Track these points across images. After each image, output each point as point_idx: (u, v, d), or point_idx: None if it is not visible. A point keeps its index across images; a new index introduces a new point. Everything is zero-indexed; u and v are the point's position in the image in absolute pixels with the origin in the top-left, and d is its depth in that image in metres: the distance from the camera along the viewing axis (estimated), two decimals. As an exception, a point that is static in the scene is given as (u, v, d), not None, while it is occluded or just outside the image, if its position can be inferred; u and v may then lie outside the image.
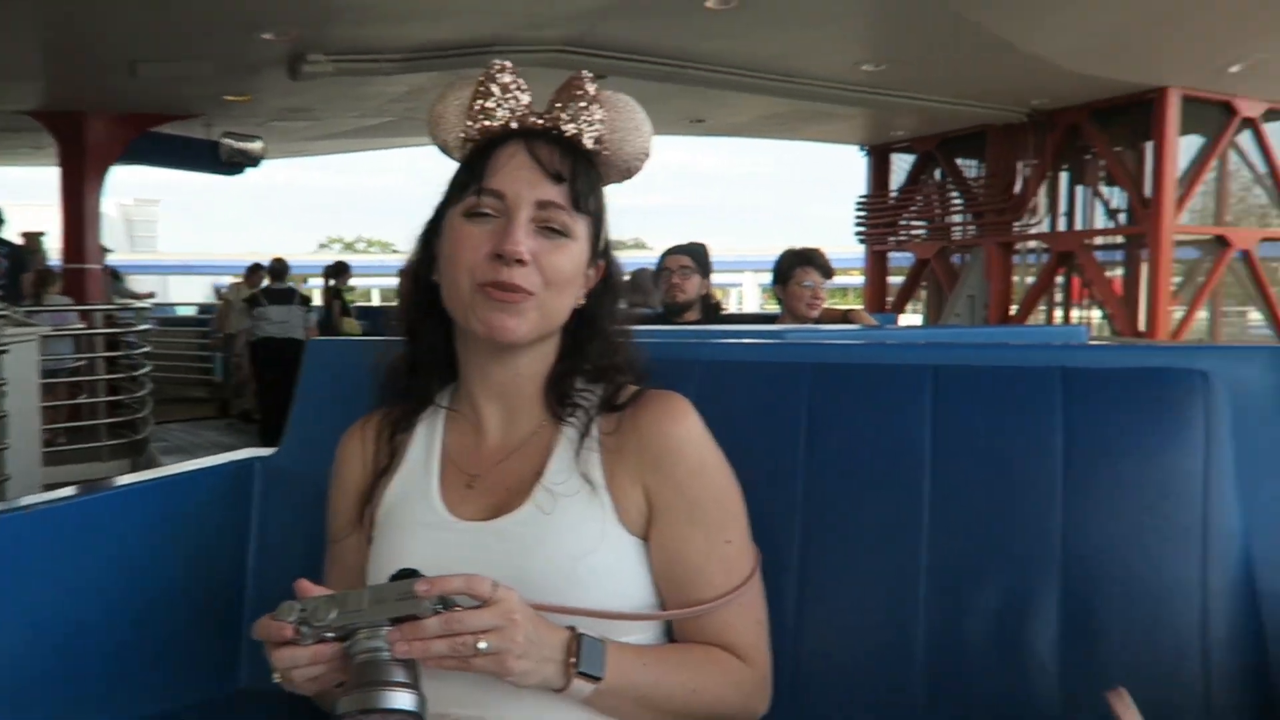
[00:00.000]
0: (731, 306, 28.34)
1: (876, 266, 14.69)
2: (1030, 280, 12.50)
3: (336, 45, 7.94)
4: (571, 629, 0.96)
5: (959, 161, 13.16)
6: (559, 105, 1.09)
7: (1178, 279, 11.61)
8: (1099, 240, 11.99)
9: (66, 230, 10.47)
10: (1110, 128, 11.24)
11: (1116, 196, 11.65)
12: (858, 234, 14.45)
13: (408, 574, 0.92)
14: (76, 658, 1.26)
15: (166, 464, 1.86)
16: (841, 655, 1.20)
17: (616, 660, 0.96)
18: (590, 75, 1.10)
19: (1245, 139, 11.41)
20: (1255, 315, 12.79)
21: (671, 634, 1.09)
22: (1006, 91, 10.81)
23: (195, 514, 1.46)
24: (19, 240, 9.59)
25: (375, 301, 22.72)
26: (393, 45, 8.06)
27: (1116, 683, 0.93)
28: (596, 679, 0.93)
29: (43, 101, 9.98)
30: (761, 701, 1.09)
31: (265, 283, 10.11)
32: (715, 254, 4.48)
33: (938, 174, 13.45)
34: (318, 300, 9.98)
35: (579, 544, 1.02)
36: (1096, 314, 12.23)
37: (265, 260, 10.44)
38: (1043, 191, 12.05)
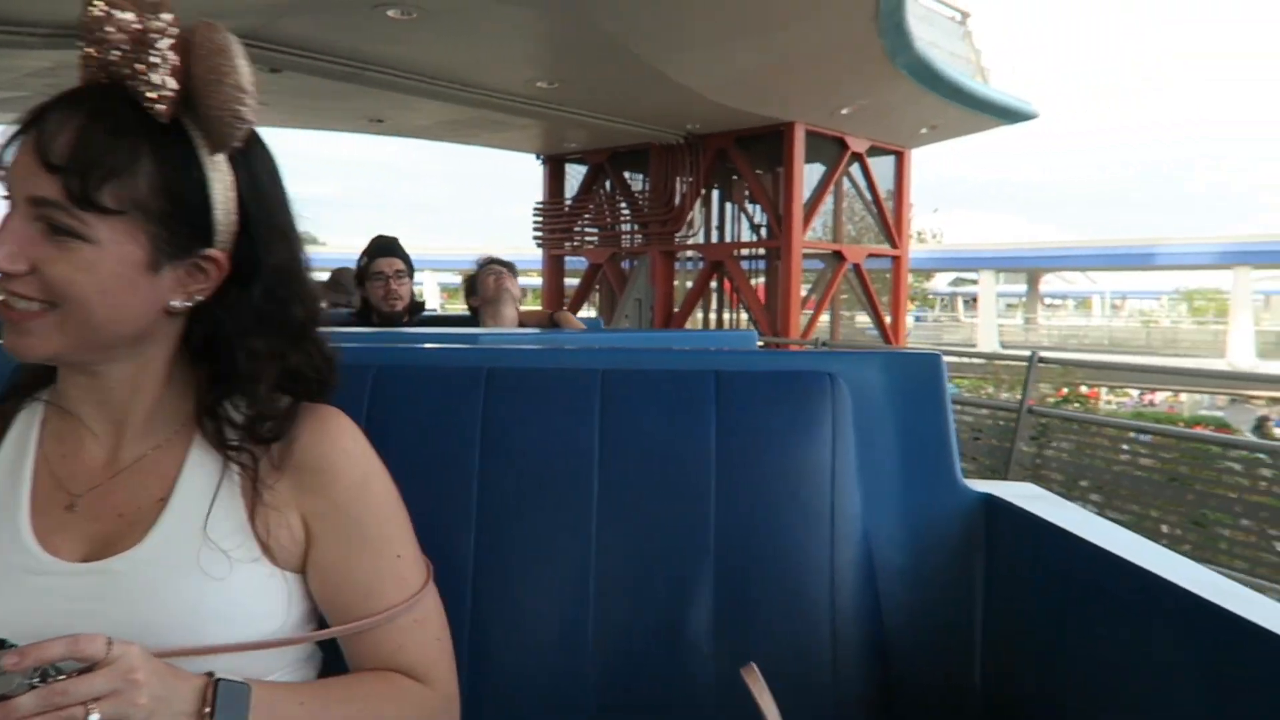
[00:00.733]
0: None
1: (553, 270, 15.48)
2: (691, 285, 13.93)
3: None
4: (209, 675, 0.82)
5: (627, 175, 14.24)
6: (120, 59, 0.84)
7: (808, 287, 13.51)
8: (745, 251, 13.59)
9: None
10: (752, 153, 12.84)
11: (759, 213, 13.30)
12: (535, 238, 15.14)
13: None
14: None
15: None
16: (517, 660, 1.19)
17: (266, 702, 0.84)
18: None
19: (856, 170, 13.55)
20: (864, 318, 15.12)
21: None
22: (664, 115, 11.98)
23: None
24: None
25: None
26: (41, 19, 7.43)
27: (761, 660, 0.99)
28: None
29: None
30: None
31: None
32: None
33: (608, 185, 14.45)
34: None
35: (211, 581, 0.87)
36: (745, 316, 13.84)
37: None
38: (698, 206, 13.44)
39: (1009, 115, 13.41)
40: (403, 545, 1.00)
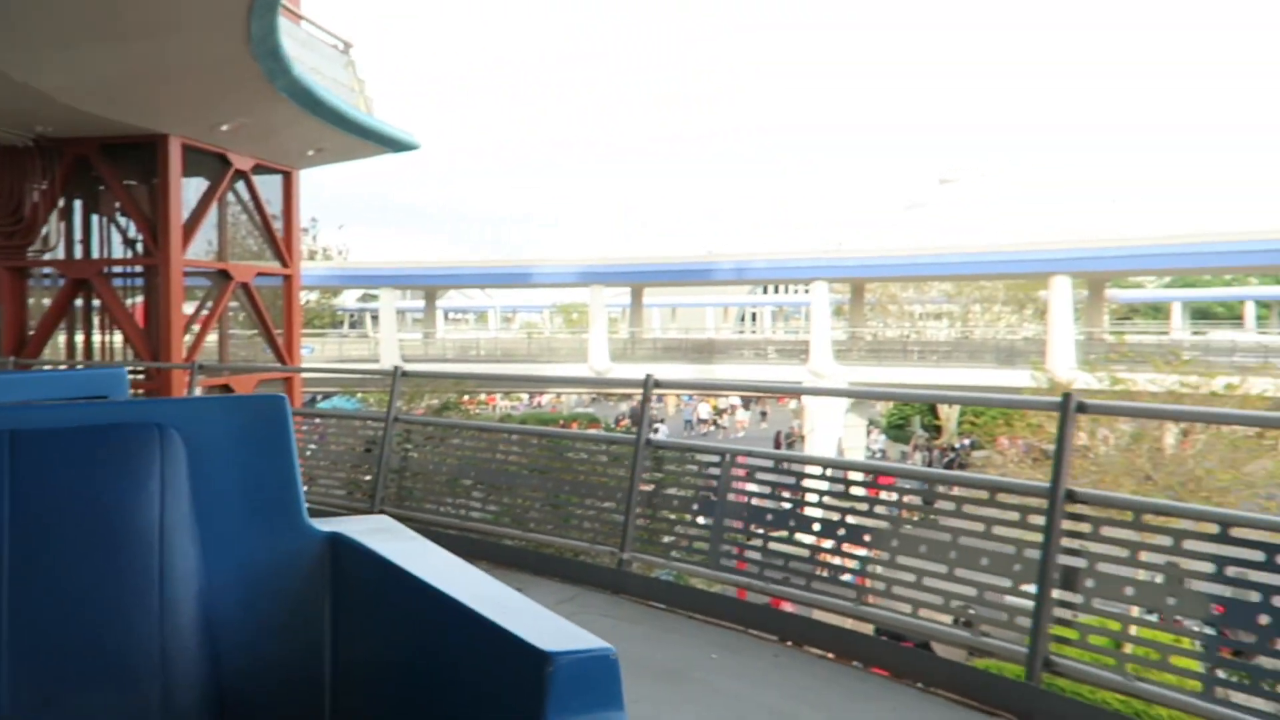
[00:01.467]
0: None
1: None
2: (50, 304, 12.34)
3: None
4: None
5: (-42, 178, 12.13)
6: None
7: (199, 305, 12.90)
8: (119, 269, 12.49)
9: None
10: (121, 163, 11.88)
11: (134, 227, 12.33)
12: None
13: None
14: None
15: None
16: None
17: None
18: None
19: (242, 187, 13.33)
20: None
21: None
22: (7, 114, 10.53)
23: None
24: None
25: None
26: None
27: None
28: None
29: None
30: None
31: None
32: None
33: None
34: None
35: None
36: (119, 338, 12.70)
37: None
38: (55, 218, 12.01)
39: (391, 144, 14.38)
40: None
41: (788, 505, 4.84)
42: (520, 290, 58.06)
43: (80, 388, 2.29)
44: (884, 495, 4.53)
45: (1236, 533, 3.30)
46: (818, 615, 4.70)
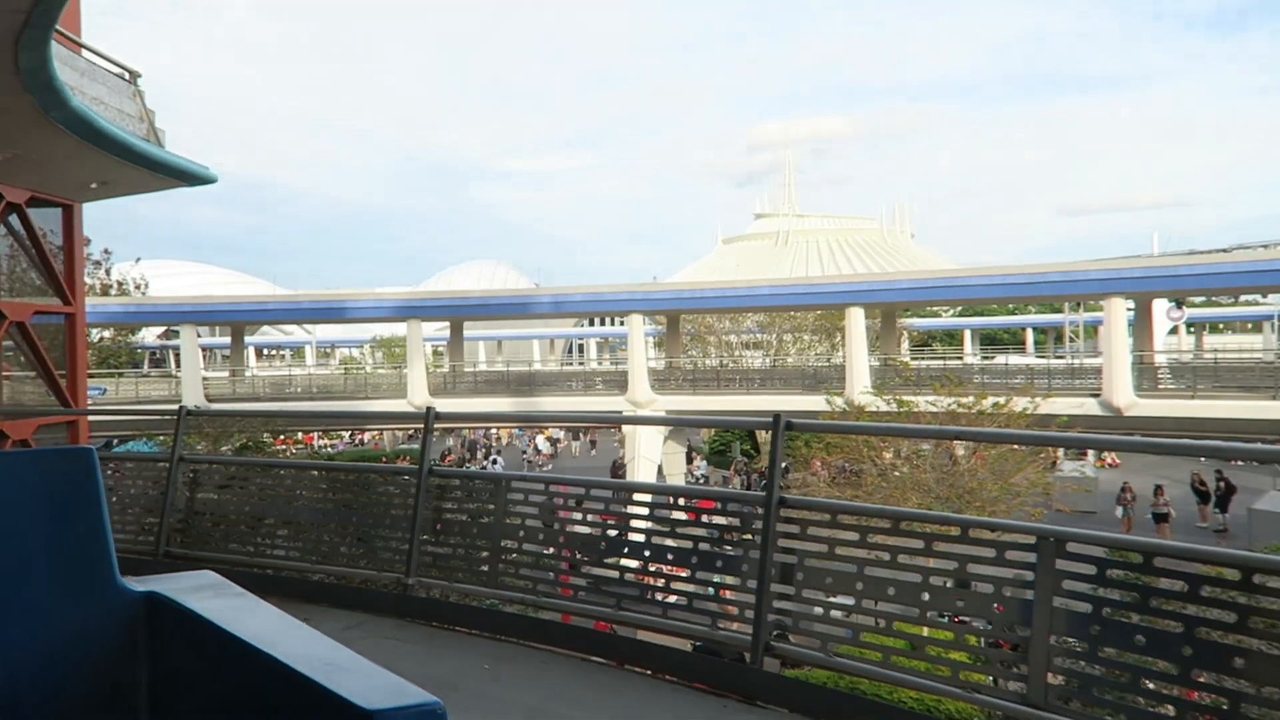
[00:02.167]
0: None
1: None
2: None
3: None
4: None
5: None
6: None
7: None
8: None
9: None
10: (-127, 194, 11.02)
11: None
12: None
13: None
14: None
15: None
16: None
17: None
18: None
19: (15, 221, 12.59)
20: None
21: None
22: None
23: None
24: None
25: None
26: None
27: None
28: None
29: None
30: None
31: None
32: None
33: None
34: None
35: None
36: None
37: None
38: None
39: (184, 177, 13.94)
40: None
41: (557, 526, 5.23)
42: (343, 325, 56.35)
43: None
44: (643, 511, 5.00)
45: (911, 527, 3.95)
46: (577, 622, 5.10)
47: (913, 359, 40.94)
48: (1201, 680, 3.04)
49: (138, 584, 1.36)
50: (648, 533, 4.90)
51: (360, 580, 6.05)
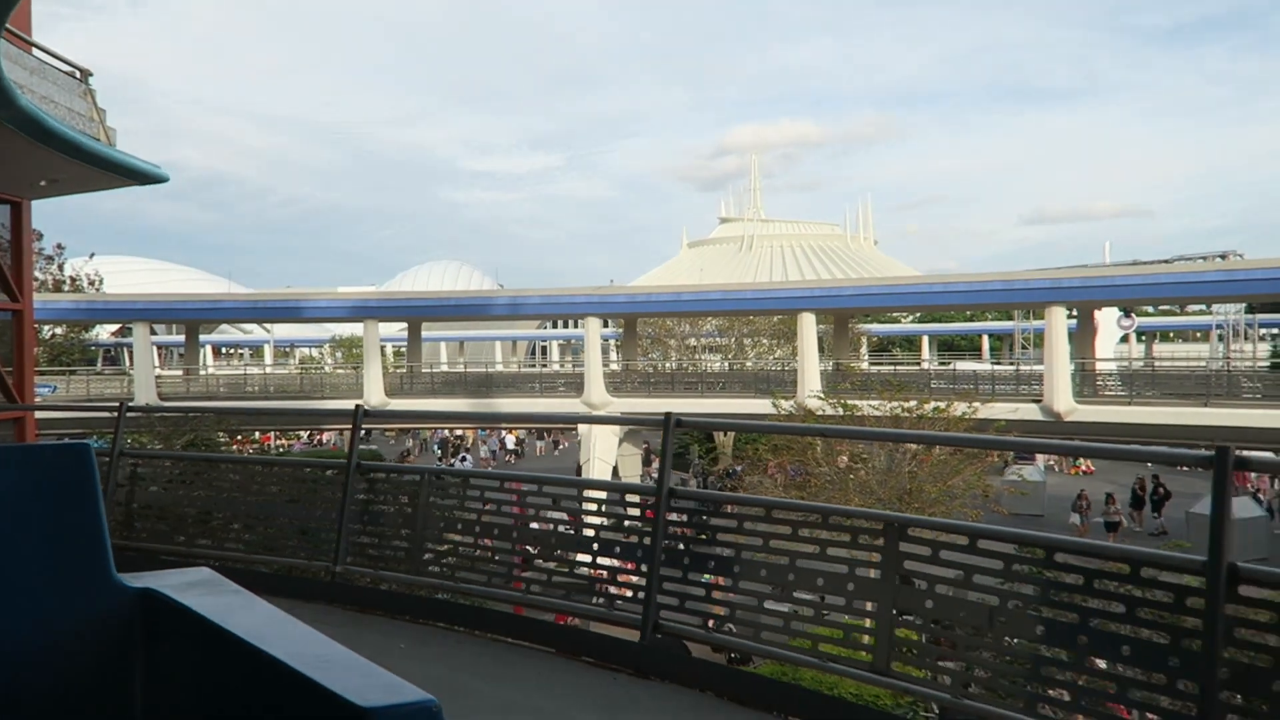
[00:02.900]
0: None
1: None
2: None
3: None
4: None
5: None
6: None
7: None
8: None
9: None
10: None
11: None
12: None
13: None
14: None
15: None
16: None
17: None
18: None
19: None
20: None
21: None
22: None
23: None
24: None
25: None
26: None
27: None
28: None
29: None
30: None
31: None
32: None
33: None
34: None
35: None
36: None
37: None
38: None
39: (135, 175, 14.07)
40: None
41: (472, 515, 5.58)
42: (302, 324, 56.06)
43: None
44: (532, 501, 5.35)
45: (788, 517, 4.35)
46: (491, 606, 5.45)
47: (871, 364, 41.71)
48: (1009, 642, 3.47)
49: (133, 580, 1.36)
50: (556, 522, 5.26)
51: (291, 569, 6.34)
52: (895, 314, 65.11)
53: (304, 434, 47.62)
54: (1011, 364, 41.32)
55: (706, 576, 4.53)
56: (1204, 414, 24.29)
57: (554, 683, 4.52)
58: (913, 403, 21.01)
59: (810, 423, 20.25)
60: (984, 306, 40.66)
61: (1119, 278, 26.29)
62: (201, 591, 1.30)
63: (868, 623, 3.88)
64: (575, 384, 33.33)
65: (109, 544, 1.35)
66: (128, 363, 51.52)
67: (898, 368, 40.42)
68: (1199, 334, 63.52)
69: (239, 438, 35.49)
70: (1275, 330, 59.84)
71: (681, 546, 4.61)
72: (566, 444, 49.98)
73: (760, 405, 27.40)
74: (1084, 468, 38.55)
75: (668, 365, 42.44)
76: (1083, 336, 29.72)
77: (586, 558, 4.99)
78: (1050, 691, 3.38)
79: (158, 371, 36.38)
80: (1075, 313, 29.43)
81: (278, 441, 45.11)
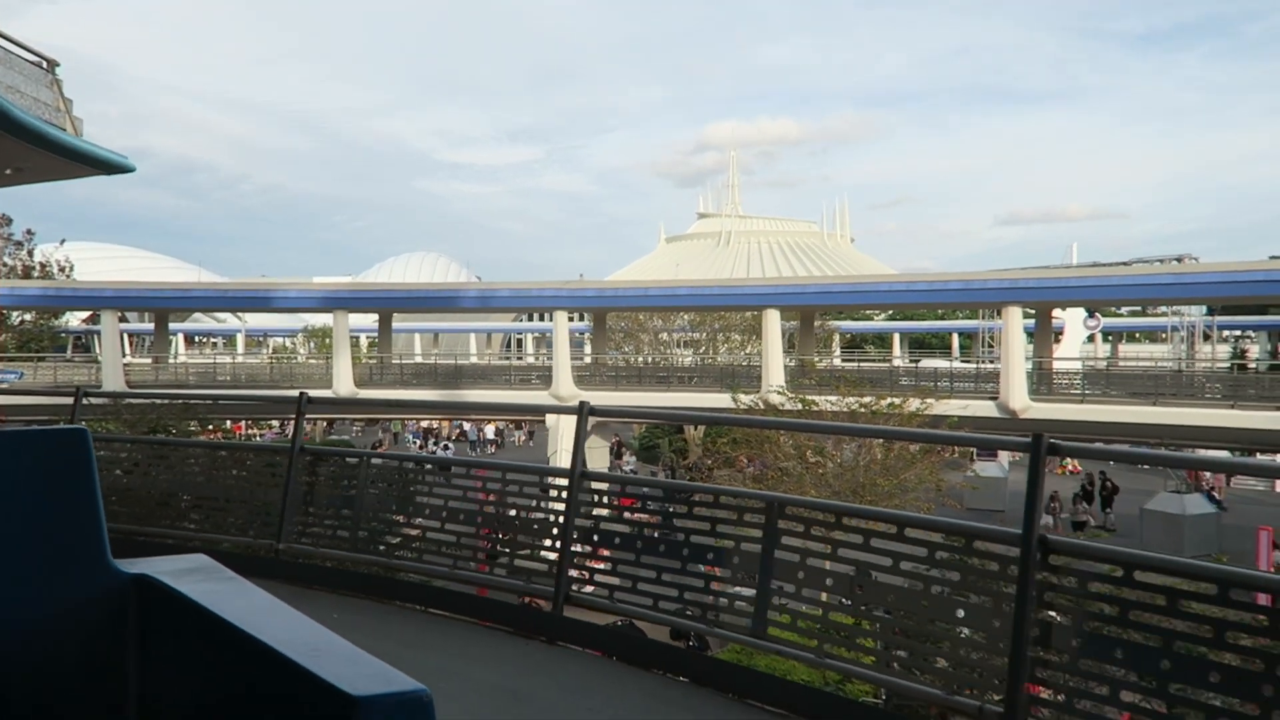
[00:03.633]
0: None
1: None
2: None
3: None
4: None
5: None
6: None
7: None
8: None
9: None
10: None
11: None
12: None
13: None
14: None
15: None
16: None
17: None
18: None
19: (-72, 204, 12.85)
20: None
21: None
22: None
23: None
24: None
25: None
26: None
27: None
28: None
29: None
30: None
31: None
32: None
33: None
34: None
35: None
36: None
37: None
38: None
39: (101, 165, 14.28)
40: None
41: (405, 497, 5.95)
42: (270, 314, 55.94)
43: None
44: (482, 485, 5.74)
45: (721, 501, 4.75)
46: (422, 581, 5.83)
47: (844, 360, 42.24)
48: (863, 608, 3.90)
49: (129, 565, 1.37)
50: (482, 504, 5.63)
51: (235, 546, 6.68)
52: (867, 312, 65.83)
53: (275, 424, 47.65)
54: (974, 363, 42.08)
55: (610, 552, 4.92)
56: (1156, 412, 25.00)
57: (477, 647, 4.90)
58: (869, 398, 21.55)
59: (770, 418, 20.74)
60: (944, 305, 41.43)
61: (1073, 279, 26.97)
62: (196, 578, 1.32)
63: (749, 592, 4.28)
64: (547, 377, 33.68)
65: (105, 528, 1.36)
66: (98, 350, 51.34)
67: (861, 364, 41.06)
68: (1165, 334, 64.76)
69: (210, 428, 35.58)
70: (1238, 332, 61.07)
71: (590, 524, 5.00)
72: (539, 436, 50.42)
73: (725, 400, 27.87)
74: (1071, 467, 38.71)
75: (640, 359, 42.82)
76: (1041, 336, 30.42)
77: (508, 535, 5.38)
78: (899, 652, 3.82)
79: (126, 359, 36.34)
80: (1034, 312, 30.11)
81: (249, 431, 45.14)
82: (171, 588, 1.24)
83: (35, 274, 40.14)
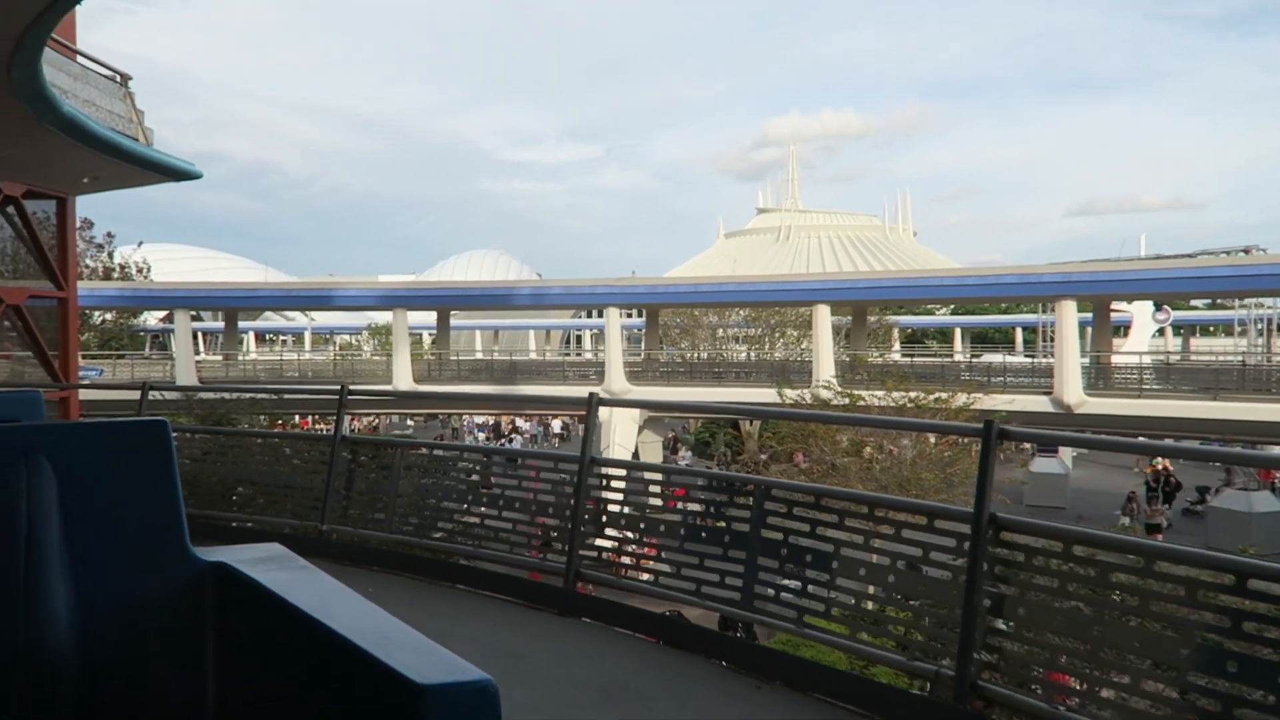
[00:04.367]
0: None
1: None
2: None
3: None
4: None
5: None
6: None
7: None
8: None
9: None
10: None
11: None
12: None
13: None
14: None
15: None
16: None
17: None
18: None
19: (13, 212, 13.79)
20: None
21: None
22: None
23: None
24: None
25: None
26: None
27: None
28: None
29: None
30: None
31: None
32: None
33: None
34: None
35: None
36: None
37: None
38: None
39: (171, 173, 15.14)
40: None
41: (436, 482, 6.40)
42: (333, 312, 57.50)
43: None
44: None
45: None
46: (448, 559, 6.28)
47: (903, 356, 41.93)
48: (830, 580, 4.22)
49: (208, 554, 1.43)
50: (503, 487, 6.06)
51: (285, 528, 7.23)
52: (929, 306, 65.04)
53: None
54: (1034, 357, 41.40)
55: (618, 533, 5.30)
56: (1217, 407, 24.47)
57: (492, 617, 5.33)
58: (914, 393, 21.55)
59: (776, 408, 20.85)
60: (998, 299, 40.80)
61: (1130, 272, 26.50)
62: (270, 566, 1.36)
63: (738, 569, 4.62)
64: (602, 373, 34.20)
65: (184, 516, 1.42)
66: (174, 348, 53.40)
67: (915, 359, 40.74)
68: (1242, 327, 62.62)
69: (280, 422, 36.88)
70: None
71: (600, 508, 5.38)
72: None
73: (774, 395, 28.02)
74: (1162, 465, 37.54)
75: (695, 355, 43.11)
76: (1100, 329, 29.92)
77: (526, 517, 5.79)
78: (870, 623, 4.13)
79: (199, 356, 37.84)
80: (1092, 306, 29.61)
81: (315, 425, 46.57)
82: (246, 575, 1.30)
83: (115, 275, 42.04)
